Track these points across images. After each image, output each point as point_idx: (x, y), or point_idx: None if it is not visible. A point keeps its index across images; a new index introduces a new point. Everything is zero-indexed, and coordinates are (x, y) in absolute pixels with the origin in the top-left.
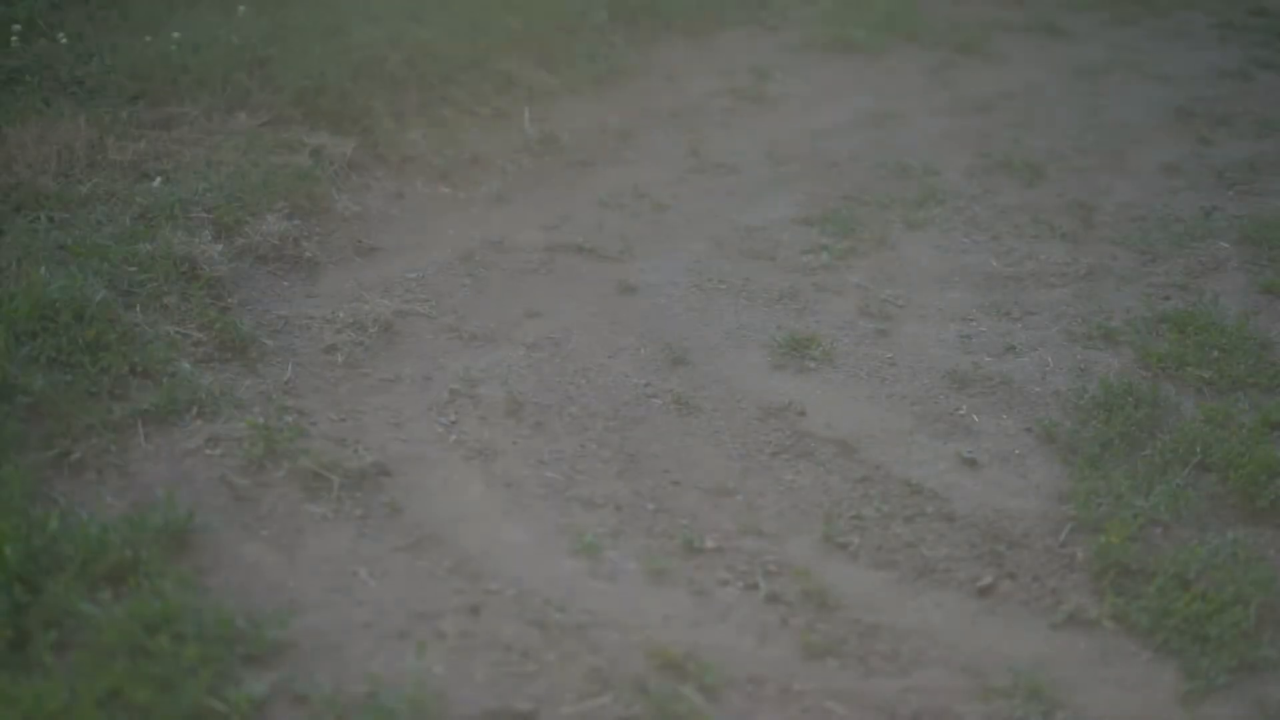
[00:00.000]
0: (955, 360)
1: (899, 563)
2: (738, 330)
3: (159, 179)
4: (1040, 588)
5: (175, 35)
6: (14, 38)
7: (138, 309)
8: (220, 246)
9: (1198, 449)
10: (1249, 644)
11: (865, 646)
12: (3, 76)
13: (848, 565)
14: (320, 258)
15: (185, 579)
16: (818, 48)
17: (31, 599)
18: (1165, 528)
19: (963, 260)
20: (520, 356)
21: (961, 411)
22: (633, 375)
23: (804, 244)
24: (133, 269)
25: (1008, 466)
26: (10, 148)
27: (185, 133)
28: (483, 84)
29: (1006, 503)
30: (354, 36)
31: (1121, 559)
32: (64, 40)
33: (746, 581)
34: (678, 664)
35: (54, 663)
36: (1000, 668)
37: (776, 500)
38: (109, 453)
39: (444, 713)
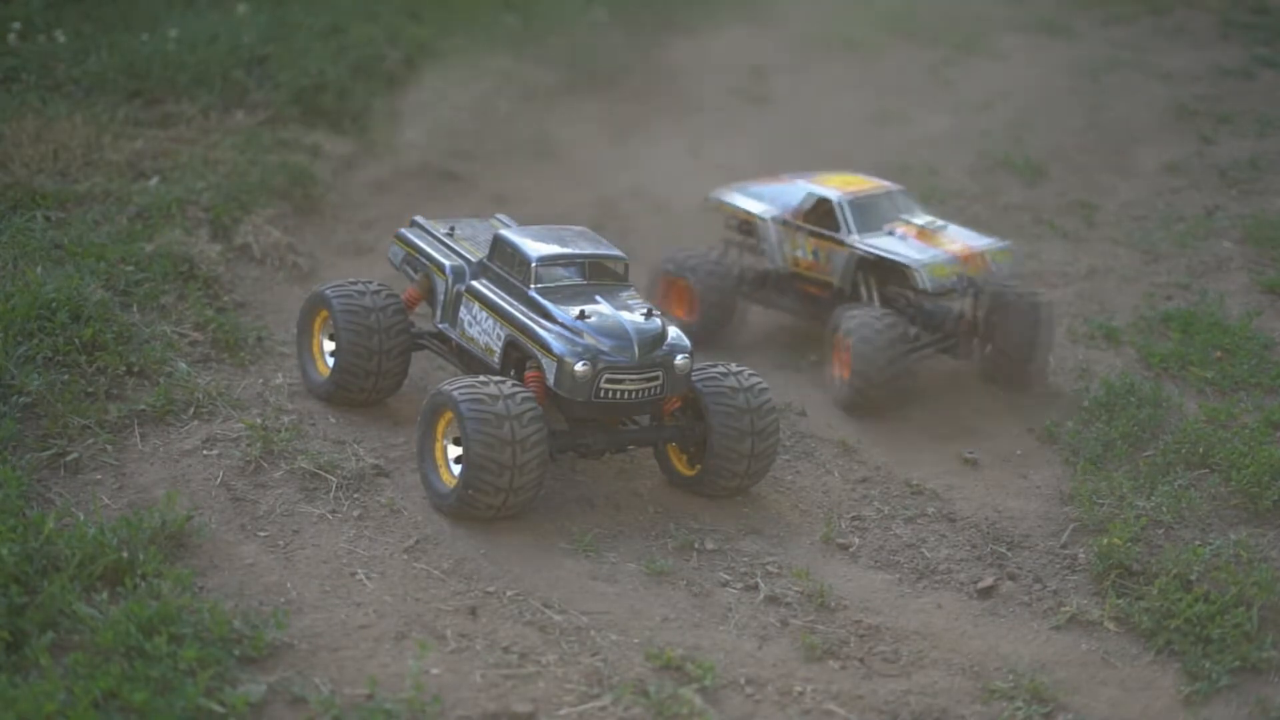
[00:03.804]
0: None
1: (900, 564)
2: (738, 329)
3: (156, 178)
4: (1042, 589)
5: (173, 33)
6: (12, 35)
7: (135, 309)
8: (218, 246)
9: (1200, 450)
10: (1252, 646)
11: (866, 648)
12: None
13: (848, 566)
14: (317, 257)
15: (183, 580)
16: (818, 46)
17: (28, 600)
18: (1167, 529)
19: None
20: None
21: (963, 411)
22: None
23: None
24: (130, 268)
25: (1009, 467)
26: (7, 146)
27: (183, 131)
28: (481, 83)
29: (1008, 504)
30: (352, 35)
31: (1123, 560)
32: (61, 39)
33: (746, 583)
34: (678, 665)
35: (51, 664)
36: (1001, 669)
37: (776, 500)
38: (106, 453)
39: (442, 715)
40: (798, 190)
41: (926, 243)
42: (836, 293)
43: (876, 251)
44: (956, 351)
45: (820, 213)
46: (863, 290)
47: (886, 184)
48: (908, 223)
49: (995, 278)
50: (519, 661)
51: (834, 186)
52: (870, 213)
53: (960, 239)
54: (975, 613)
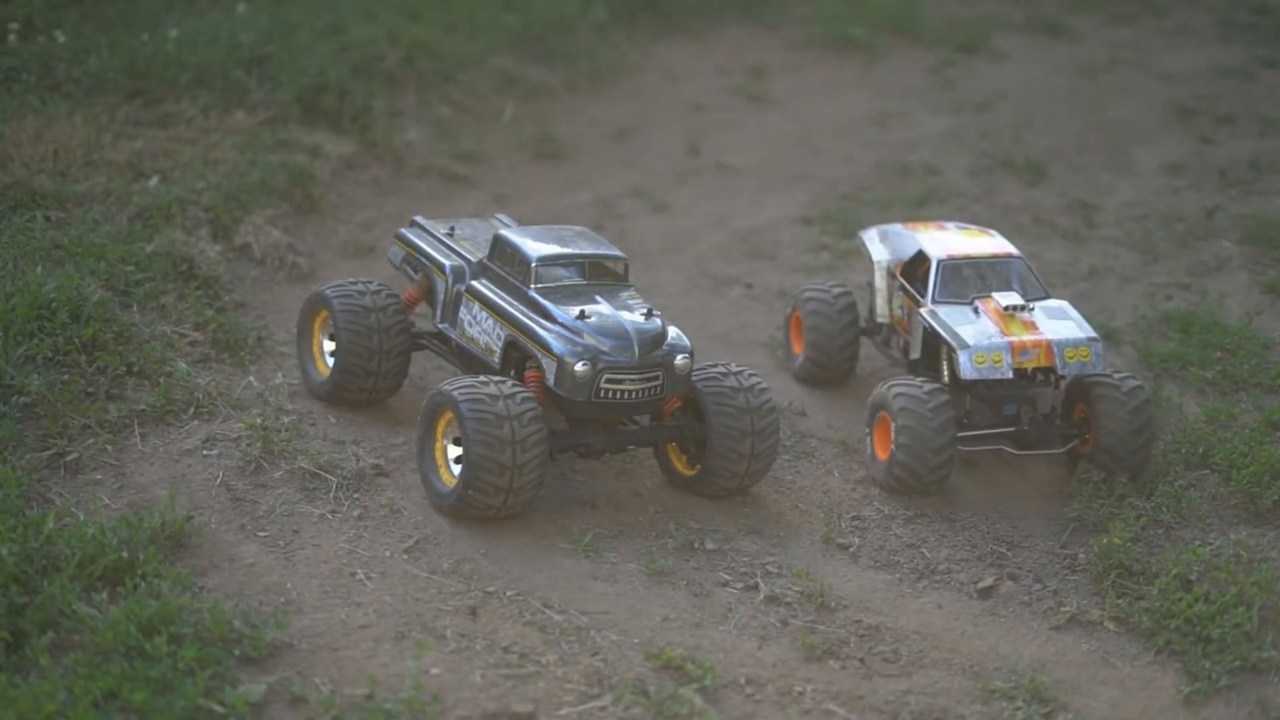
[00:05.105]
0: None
1: (900, 564)
2: (739, 329)
3: (156, 178)
4: (1042, 589)
5: (173, 33)
6: (11, 35)
7: (134, 309)
8: (218, 246)
9: (1200, 450)
10: (1251, 645)
11: (866, 648)
12: None
13: (848, 566)
14: (317, 257)
15: (182, 580)
16: (818, 46)
17: (28, 600)
18: (1167, 528)
19: None
20: None
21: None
22: None
23: (805, 243)
24: (130, 268)
25: (1009, 466)
26: (7, 146)
27: (183, 131)
28: (481, 83)
29: (1008, 504)
30: (353, 35)
31: (1123, 560)
32: (61, 38)
33: (746, 583)
34: (678, 665)
35: (51, 664)
36: (1002, 669)
37: (776, 500)
38: (105, 453)
39: (442, 715)
40: (916, 240)
41: (1000, 325)
42: (912, 364)
43: (932, 325)
44: (1023, 443)
45: (919, 269)
46: (944, 365)
47: (1006, 250)
48: (993, 300)
49: (1087, 369)
50: (519, 661)
51: (943, 244)
52: (963, 280)
53: (1043, 329)
54: (975, 613)
